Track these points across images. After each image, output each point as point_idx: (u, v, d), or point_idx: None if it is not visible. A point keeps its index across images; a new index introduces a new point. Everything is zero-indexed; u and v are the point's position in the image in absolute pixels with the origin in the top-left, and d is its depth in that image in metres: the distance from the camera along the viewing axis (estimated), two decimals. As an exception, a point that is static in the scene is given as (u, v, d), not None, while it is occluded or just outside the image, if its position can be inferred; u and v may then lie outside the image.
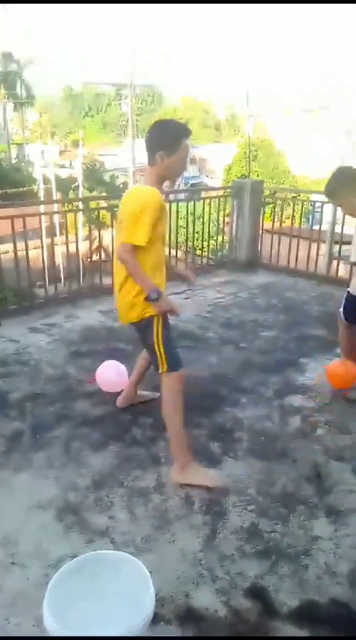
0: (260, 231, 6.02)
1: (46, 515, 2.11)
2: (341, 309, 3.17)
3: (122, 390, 2.99)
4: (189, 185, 27.83)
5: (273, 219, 7.10)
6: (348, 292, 3.11)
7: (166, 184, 2.43)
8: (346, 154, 16.75)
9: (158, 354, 2.32)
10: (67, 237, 6.02)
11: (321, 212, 6.98)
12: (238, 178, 15.77)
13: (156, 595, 1.72)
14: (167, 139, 2.30)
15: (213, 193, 6.59)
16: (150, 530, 2.04)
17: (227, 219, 6.47)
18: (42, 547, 1.94)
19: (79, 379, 3.28)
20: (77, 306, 4.63)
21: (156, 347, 2.32)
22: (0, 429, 2.71)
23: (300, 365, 3.58)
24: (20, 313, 4.40)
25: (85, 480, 2.33)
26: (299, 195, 6.96)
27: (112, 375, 3.08)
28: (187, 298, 5.03)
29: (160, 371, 2.34)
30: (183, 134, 2.33)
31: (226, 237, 6.46)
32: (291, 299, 5.01)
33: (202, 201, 6.16)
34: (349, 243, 3.31)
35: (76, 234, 5.88)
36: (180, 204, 6.07)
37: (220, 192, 6.73)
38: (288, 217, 6.18)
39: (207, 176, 34.98)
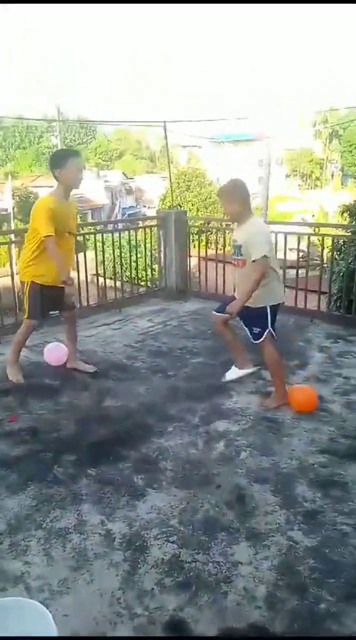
0: (188, 259, 6.15)
1: None
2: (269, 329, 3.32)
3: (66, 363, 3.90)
4: (126, 215, 28.14)
5: (206, 247, 7.28)
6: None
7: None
8: (263, 179, 17.63)
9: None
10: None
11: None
12: (174, 208, 16.10)
13: (71, 641, 1.67)
14: (58, 159, 3.44)
15: (148, 223, 6.68)
16: (67, 572, 1.98)
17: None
18: None
19: None
20: (2, 342, 4.50)
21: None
22: None
23: (226, 390, 3.64)
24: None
25: (0, 524, 2.23)
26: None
27: (58, 352, 3.90)
28: (118, 328, 5.03)
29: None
30: (70, 155, 3.47)
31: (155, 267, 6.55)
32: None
33: (141, 230, 6.27)
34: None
35: (11, 267, 5.71)
36: (120, 234, 6.13)
37: (154, 222, 6.83)
38: (225, 246, 6.36)
39: (145, 206, 35.53)
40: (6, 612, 1.51)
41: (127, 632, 1.74)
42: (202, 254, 6.36)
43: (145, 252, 6.36)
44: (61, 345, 4.03)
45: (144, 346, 4.49)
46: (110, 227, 6.92)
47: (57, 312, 3.94)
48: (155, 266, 6.53)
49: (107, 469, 2.66)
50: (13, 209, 18.18)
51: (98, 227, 6.47)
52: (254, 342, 3.36)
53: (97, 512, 2.33)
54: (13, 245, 5.57)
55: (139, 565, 2.03)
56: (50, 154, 3.84)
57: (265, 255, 3.11)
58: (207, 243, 7.93)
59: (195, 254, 6.62)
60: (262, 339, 3.30)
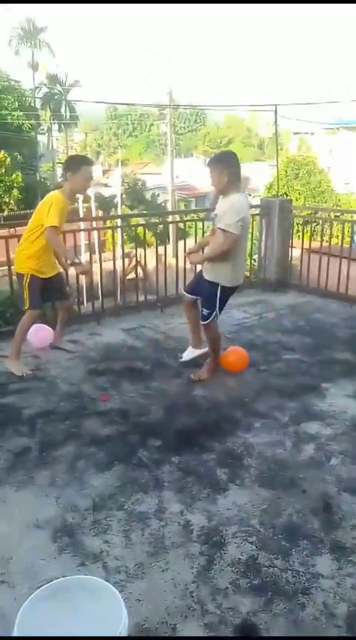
0: (291, 250, 5.94)
1: (42, 535, 2.11)
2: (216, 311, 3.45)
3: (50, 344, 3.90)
4: (230, 203, 27.92)
5: (310, 238, 7.00)
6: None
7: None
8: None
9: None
10: (100, 256, 6.12)
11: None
12: (274, 197, 15.67)
13: (142, 625, 1.69)
14: (73, 164, 3.55)
15: (251, 211, 6.54)
16: (144, 557, 2.00)
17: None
18: (34, 567, 1.94)
19: (93, 397, 3.29)
20: (102, 323, 4.67)
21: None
22: (8, 444, 2.75)
23: (320, 390, 3.47)
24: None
25: (85, 501, 2.31)
26: (342, 215, 6.83)
27: (42, 333, 3.81)
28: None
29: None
30: (85, 162, 3.58)
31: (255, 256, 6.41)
32: (320, 321, 4.88)
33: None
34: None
35: (113, 252, 5.94)
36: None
37: (256, 211, 6.68)
38: (333, 237, 6.05)
39: (250, 194, 35.03)
40: (80, 590, 1.55)
41: (196, 628, 1.72)
42: (306, 245, 6.10)
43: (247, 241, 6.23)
44: (43, 326, 3.90)
45: (238, 337, 4.42)
46: (212, 214, 6.87)
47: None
48: (255, 256, 6.38)
49: (190, 459, 2.65)
50: (121, 195, 18.81)
51: (200, 215, 6.45)
52: (201, 322, 3.52)
53: (177, 500, 2.33)
54: (119, 230, 5.77)
55: (215, 562, 2.00)
56: (66, 158, 3.90)
57: (230, 231, 3.18)
58: (312, 234, 7.62)
59: (299, 245, 6.37)
60: (208, 321, 3.44)
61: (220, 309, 3.46)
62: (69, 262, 3.50)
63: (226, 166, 3.26)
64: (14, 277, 3.82)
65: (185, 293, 3.75)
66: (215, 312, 3.41)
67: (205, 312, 3.45)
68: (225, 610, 1.79)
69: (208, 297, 3.42)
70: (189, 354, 3.84)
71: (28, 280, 3.55)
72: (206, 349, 3.72)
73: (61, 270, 3.80)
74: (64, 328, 4.09)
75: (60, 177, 29.86)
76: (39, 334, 3.82)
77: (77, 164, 3.55)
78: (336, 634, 1.72)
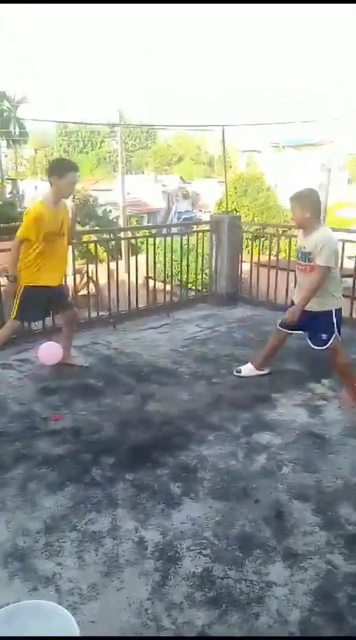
0: (240, 265, 6.07)
1: (-9, 561, 2.04)
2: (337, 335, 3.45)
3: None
4: (181, 219, 28.30)
5: (259, 253, 7.18)
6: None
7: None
8: (323, 185, 17.08)
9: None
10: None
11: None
12: (228, 212, 16.00)
13: (96, 648, 1.66)
14: (58, 168, 3.52)
15: (201, 227, 6.66)
16: (98, 577, 1.98)
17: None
18: (-17, 596, 1.87)
19: (44, 416, 3.23)
20: (53, 340, 4.59)
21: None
22: None
23: (271, 401, 3.55)
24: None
25: (37, 523, 2.26)
26: (289, 230, 7.05)
27: (53, 351, 3.93)
28: (165, 332, 5.03)
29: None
30: (71, 168, 3.55)
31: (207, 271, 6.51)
32: (269, 333, 4.96)
33: (194, 235, 6.31)
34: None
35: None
36: (172, 238, 6.19)
37: (207, 227, 6.81)
38: (281, 251, 6.24)
39: (200, 210, 35.60)
40: (33, 614, 1.51)
41: (152, 645, 1.71)
42: (256, 259, 6.26)
43: (198, 256, 6.34)
44: (53, 344, 4.04)
45: (190, 351, 4.46)
46: (163, 231, 6.98)
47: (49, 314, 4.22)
48: (206, 271, 6.49)
49: (144, 475, 2.64)
50: (73, 211, 18.66)
51: (152, 231, 6.52)
52: (318, 348, 3.49)
53: (131, 518, 2.32)
54: (71, 246, 5.72)
55: (170, 577, 1.99)
56: (50, 162, 3.82)
57: (328, 266, 3.29)
58: (261, 249, 7.83)
59: (249, 260, 6.53)
60: (328, 344, 3.41)
61: (339, 328, 3.45)
62: (4, 274, 3.59)
63: (312, 202, 3.37)
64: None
65: (282, 329, 3.73)
66: (334, 334, 3.41)
67: (324, 336, 3.43)
68: (180, 625, 1.79)
69: (324, 323, 3.43)
70: (248, 371, 3.89)
71: (21, 291, 3.55)
72: (264, 372, 3.86)
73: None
74: (71, 343, 4.06)
75: (9, 194, 29.39)
76: (49, 351, 3.92)
77: (62, 168, 3.52)
78: (290, 640, 1.75)
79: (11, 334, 3.68)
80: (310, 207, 3.35)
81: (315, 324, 3.48)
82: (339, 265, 3.52)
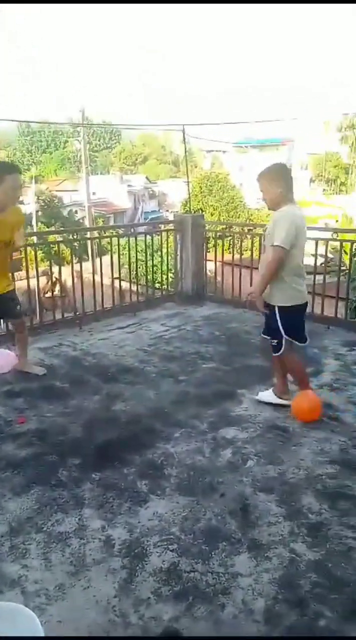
0: (205, 264, 6.13)
1: None
2: (280, 329, 3.08)
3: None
4: (148, 219, 28.28)
5: (223, 251, 7.25)
6: (278, 306, 3.07)
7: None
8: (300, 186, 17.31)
9: None
10: (13, 275, 5.91)
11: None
12: (192, 212, 16.08)
13: (63, 648, 1.66)
14: None
15: (166, 227, 6.68)
16: (65, 577, 1.97)
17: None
18: None
19: (9, 419, 3.19)
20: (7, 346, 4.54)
21: None
22: None
23: (236, 396, 3.60)
24: None
25: (1, 527, 2.24)
26: (254, 229, 7.14)
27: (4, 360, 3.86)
28: (132, 332, 5.03)
29: None
30: (7, 171, 3.26)
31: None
32: (234, 330, 5.07)
33: (160, 235, 6.33)
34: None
35: (27, 270, 5.76)
36: (136, 238, 6.18)
37: (171, 226, 6.84)
38: (246, 250, 6.32)
39: (167, 210, 35.66)
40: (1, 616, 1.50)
41: (120, 641, 1.72)
42: (222, 258, 6.33)
43: (163, 256, 6.37)
44: (3, 351, 4.00)
45: (156, 350, 4.48)
46: (130, 231, 6.97)
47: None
48: (173, 270, 6.52)
49: (111, 474, 2.65)
50: (37, 212, 18.44)
51: (119, 231, 6.51)
52: (274, 354, 3.22)
53: (98, 517, 2.32)
54: (36, 247, 5.64)
55: (137, 573, 2.01)
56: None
57: (280, 246, 2.90)
58: (226, 247, 7.90)
59: (215, 259, 6.59)
60: (279, 352, 3.15)
61: (291, 334, 3.08)
62: None
63: (281, 177, 3.02)
64: None
65: (263, 335, 3.37)
66: (283, 339, 3.05)
67: (274, 342, 3.11)
68: (147, 620, 1.80)
69: (271, 322, 3.11)
70: (266, 396, 3.41)
71: None
72: (287, 402, 3.29)
73: (12, 287, 3.68)
74: (26, 349, 3.93)
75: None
76: (1, 359, 3.81)
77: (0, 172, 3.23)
78: (255, 629, 1.79)
79: None
80: (280, 183, 2.99)
81: (267, 317, 3.20)
82: (301, 251, 3.05)
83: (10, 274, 3.85)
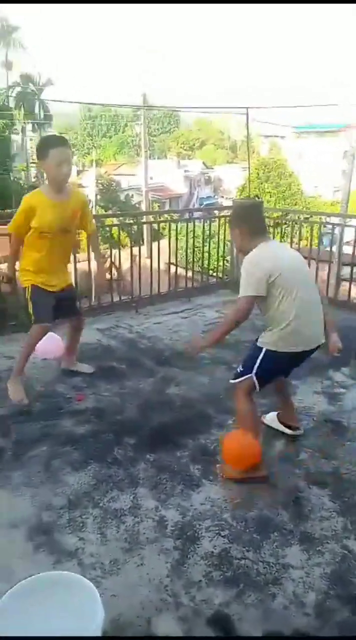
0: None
1: (17, 534, 2.11)
2: (250, 373, 2.59)
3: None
4: (203, 205, 28.14)
5: (281, 240, 7.12)
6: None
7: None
8: (346, 173, 16.67)
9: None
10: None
11: (334, 233, 6.88)
12: (246, 198, 15.85)
13: (117, 620, 1.72)
14: (40, 150, 2.96)
15: (223, 213, 6.62)
16: (119, 553, 2.04)
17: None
18: (9, 566, 1.94)
19: (68, 396, 3.30)
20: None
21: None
22: (-18, 445, 2.73)
23: (292, 387, 3.54)
24: (20, 330, 4.45)
25: (60, 499, 2.33)
26: (311, 217, 6.97)
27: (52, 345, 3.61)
28: (186, 317, 5.05)
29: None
30: (52, 145, 2.92)
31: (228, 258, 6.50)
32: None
33: (216, 221, 6.29)
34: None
35: (88, 253, 5.88)
36: (194, 223, 6.18)
37: (229, 213, 6.77)
38: (302, 239, 6.18)
39: (222, 197, 35.33)
40: (58, 586, 1.57)
41: (171, 621, 1.76)
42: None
43: (219, 242, 6.33)
44: (55, 337, 3.66)
45: (211, 337, 4.47)
46: (186, 216, 6.98)
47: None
48: (228, 257, 6.47)
49: (165, 456, 2.69)
50: (96, 196, 18.75)
51: (174, 216, 6.53)
52: (230, 380, 2.73)
53: (152, 497, 2.37)
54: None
55: (189, 556, 2.04)
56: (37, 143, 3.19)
57: (245, 295, 2.51)
58: (282, 236, 7.75)
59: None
60: (238, 380, 2.64)
61: (262, 377, 2.60)
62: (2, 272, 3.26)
63: (239, 222, 2.69)
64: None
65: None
66: (249, 375, 2.58)
67: (239, 369, 2.66)
68: (198, 602, 1.84)
69: (249, 355, 2.67)
70: (271, 421, 3.00)
71: (29, 292, 3.12)
72: (296, 433, 2.91)
73: (70, 281, 3.42)
74: (77, 347, 3.65)
75: (34, 178, 29.55)
76: (47, 344, 3.46)
77: (44, 147, 2.91)
78: (306, 622, 1.79)
79: (37, 339, 3.19)
80: (244, 228, 2.62)
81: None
82: (279, 292, 2.50)
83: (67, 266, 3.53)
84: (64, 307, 3.27)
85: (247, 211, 2.82)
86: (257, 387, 2.62)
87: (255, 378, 2.60)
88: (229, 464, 2.56)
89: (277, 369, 2.70)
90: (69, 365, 3.64)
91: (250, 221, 2.67)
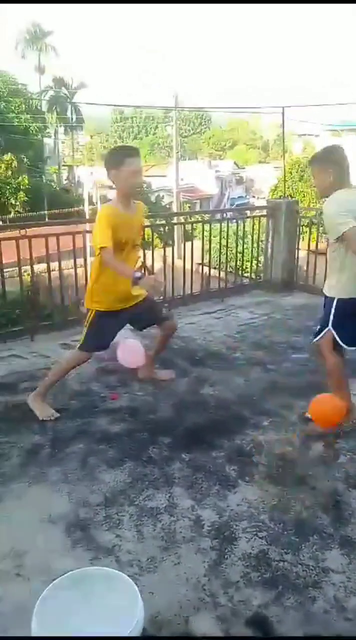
0: (297, 252, 5.96)
1: (55, 529, 2.14)
2: (330, 329, 2.76)
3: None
4: (235, 205, 28.02)
5: (317, 240, 7.01)
6: (338, 299, 2.76)
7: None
8: None
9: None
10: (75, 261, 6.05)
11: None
12: (280, 198, 15.69)
13: (155, 618, 1.72)
14: (112, 158, 2.84)
15: (256, 213, 6.57)
16: (156, 551, 2.03)
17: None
18: (48, 561, 1.97)
19: (103, 395, 3.32)
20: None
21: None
22: (21, 442, 2.78)
23: (328, 390, 3.48)
24: (54, 329, 4.53)
25: (97, 496, 2.35)
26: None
27: (135, 354, 3.25)
28: (219, 318, 5.03)
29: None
30: (127, 153, 2.82)
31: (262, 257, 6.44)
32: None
33: (249, 221, 6.26)
34: None
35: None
36: (228, 223, 6.16)
37: (263, 212, 6.71)
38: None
39: (254, 196, 35.10)
40: (98, 581, 1.58)
41: (209, 620, 1.75)
42: (311, 247, 6.12)
43: (252, 242, 6.28)
44: (137, 345, 3.31)
45: (245, 337, 4.45)
46: (217, 216, 6.94)
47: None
48: (261, 257, 6.41)
49: (200, 456, 2.68)
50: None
51: (205, 217, 6.51)
52: (313, 341, 2.95)
53: (188, 496, 2.36)
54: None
55: (226, 556, 2.02)
56: (107, 153, 3.07)
57: (353, 227, 2.54)
58: (317, 236, 7.63)
59: (303, 247, 6.39)
60: (318, 337, 2.86)
61: (338, 328, 2.76)
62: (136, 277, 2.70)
63: (333, 162, 2.71)
64: (24, 278, 3.66)
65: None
66: (327, 329, 2.77)
67: (318, 328, 2.87)
68: (236, 603, 1.81)
69: (324, 312, 2.85)
70: None
71: (91, 317, 3.01)
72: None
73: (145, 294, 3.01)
74: (158, 356, 3.54)
75: (65, 180, 30.04)
76: (131, 352, 3.23)
77: (118, 157, 2.80)
78: (349, 626, 1.74)
79: (73, 366, 3.12)
80: (332, 170, 2.68)
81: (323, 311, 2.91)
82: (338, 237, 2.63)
83: None
84: (144, 319, 3.23)
85: (341, 155, 2.76)
86: (338, 339, 2.78)
87: (333, 330, 2.77)
88: (317, 424, 2.81)
89: (352, 318, 2.78)
90: (148, 374, 3.47)
91: (342, 165, 2.73)
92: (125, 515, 2.23)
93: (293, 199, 9.30)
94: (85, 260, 4.70)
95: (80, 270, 4.66)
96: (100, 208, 3.09)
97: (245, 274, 7.08)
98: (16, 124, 24.01)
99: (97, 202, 16.93)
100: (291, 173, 22.80)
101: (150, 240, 6.82)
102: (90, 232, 6.53)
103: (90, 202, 16.71)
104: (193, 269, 5.95)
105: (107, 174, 2.89)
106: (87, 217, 14.09)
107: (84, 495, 2.35)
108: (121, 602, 1.49)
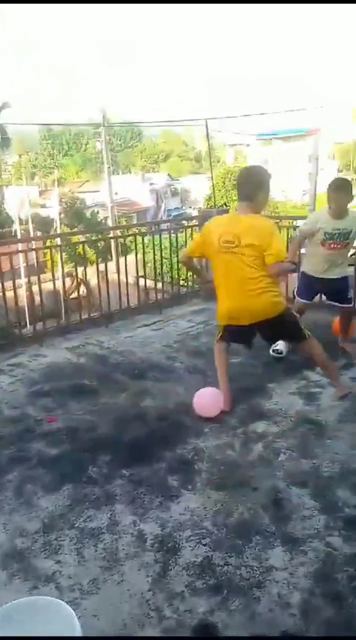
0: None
1: (-9, 563, 2.04)
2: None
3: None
4: (171, 217, 28.29)
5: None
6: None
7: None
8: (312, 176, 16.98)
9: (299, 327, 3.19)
10: (38, 277, 5.99)
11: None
12: (216, 207, 15.99)
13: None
14: (261, 180, 3.02)
15: (191, 223, 6.64)
16: (98, 572, 1.98)
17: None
18: (-16, 597, 1.87)
19: (39, 418, 3.22)
20: (45, 345, 4.59)
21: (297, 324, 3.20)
22: None
23: (266, 390, 3.55)
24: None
25: (34, 524, 2.26)
26: (280, 221, 7.01)
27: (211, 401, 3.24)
28: (158, 329, 5.03)
29: (305, 339, 3.20)
30: (269, 175, 3.10)
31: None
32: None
33: (184, 232, 6.31)
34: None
35: (52, 272, 5.83)
36: (162, 235, 6.18)
37: (196, 222, 6.80)
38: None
39: (190, 207, 35.56)
40: (34, 611, 1.51)
41: (153, 634, 1.71)
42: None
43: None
44: (215, 394, 3.28)
45: (183, 346, 4.46)
46: (153, 228, 6.98)
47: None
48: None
49: (141, 470, 2.65)
50: (60, 215, 18.63)
51: (142, 230, 6.52)
52: (346, 305, 3.99)
53: (129, 512, 2.32)
54: (60, 249, 5.71)
55: (170, 567, 2.00)
56: (243, 173, 3.25)
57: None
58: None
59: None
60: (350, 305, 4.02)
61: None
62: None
63: (351, 190, 3.78)
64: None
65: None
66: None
67: (350, 294, 4.06)
68: (182, 613, 1.79)
69: (347, 285, 4.01)
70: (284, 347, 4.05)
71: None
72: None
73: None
74: (335, 372, 3.45)
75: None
76: (209, 400, 3.23)
77: (264, 179, 3.03)
78: (292, 623, 1.76)
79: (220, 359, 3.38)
80: (352, 194, 3.81)
81: (337, 288, 3.95)
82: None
83: None
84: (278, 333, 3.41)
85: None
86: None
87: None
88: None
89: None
90: (342, 391, 3.33)
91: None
92: (65, 539, 2.16)
93: (226, 207, 9.53)
94: (14, 281, 4.59)
95: (12, 293, 4.55)
96: (265, 219, 3.13)
97: (184, 284, 7.14)
98: None
99: (27, 222, 16.58)
100: (224, 183, 23.35)
101: (85, 256, 6.76)
102: (21, 252, 6.42)
103: (20, 222, 16.35)
104: (132, 282, 5.95)
105: (248, 196, 2.99)
106: (19, 237, 13.77)
107: (21, 524, 2.26)
108: (58, 629, 1.43)
